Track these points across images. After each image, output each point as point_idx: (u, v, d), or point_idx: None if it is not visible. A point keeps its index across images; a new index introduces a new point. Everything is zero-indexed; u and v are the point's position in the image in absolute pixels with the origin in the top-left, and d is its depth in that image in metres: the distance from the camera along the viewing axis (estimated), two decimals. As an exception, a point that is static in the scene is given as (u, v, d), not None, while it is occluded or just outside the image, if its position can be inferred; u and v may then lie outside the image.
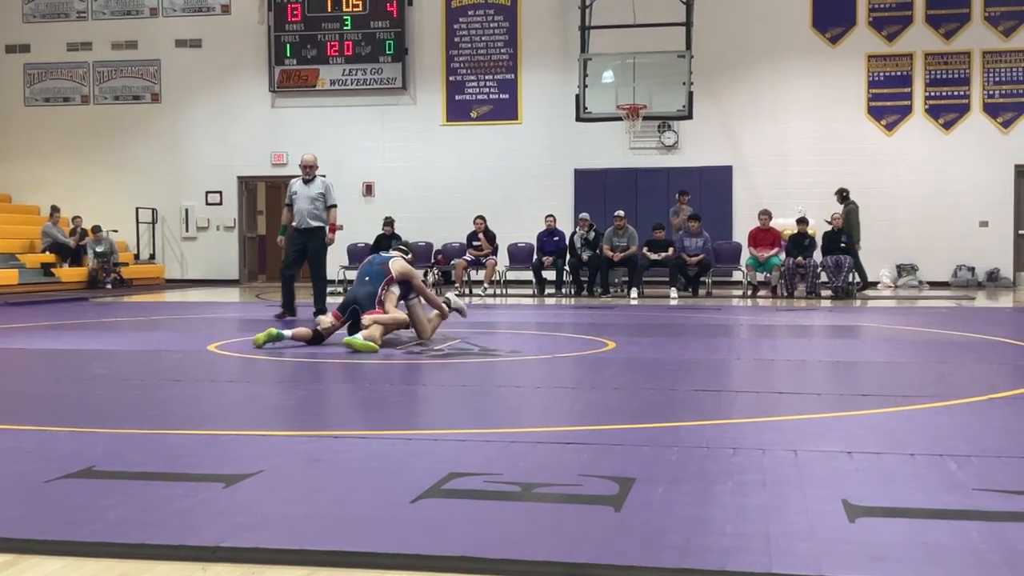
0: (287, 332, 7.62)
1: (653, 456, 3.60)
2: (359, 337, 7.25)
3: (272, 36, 19.97)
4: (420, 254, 17.94)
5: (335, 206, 10.71)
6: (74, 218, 19.27)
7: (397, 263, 7.98)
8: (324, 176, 10.96)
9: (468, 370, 6.51)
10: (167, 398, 5.34)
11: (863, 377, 6.14)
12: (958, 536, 2.64)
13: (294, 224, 10.63)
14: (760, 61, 18.50)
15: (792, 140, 18.41)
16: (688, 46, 16.56)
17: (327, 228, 10.60)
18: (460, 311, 8.45)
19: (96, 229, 18.60)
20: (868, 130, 18.33)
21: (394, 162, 19.66)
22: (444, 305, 8.24)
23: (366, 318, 7.52)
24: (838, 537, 2.62)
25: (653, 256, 15.54)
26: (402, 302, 7.92)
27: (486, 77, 19.41)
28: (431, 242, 18.22)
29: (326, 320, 7.81)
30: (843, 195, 16.31)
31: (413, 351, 7.30)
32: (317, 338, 7.69)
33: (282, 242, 11.03)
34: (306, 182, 10.59)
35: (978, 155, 17.92)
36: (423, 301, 8.06)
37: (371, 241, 17.02)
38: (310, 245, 10.55)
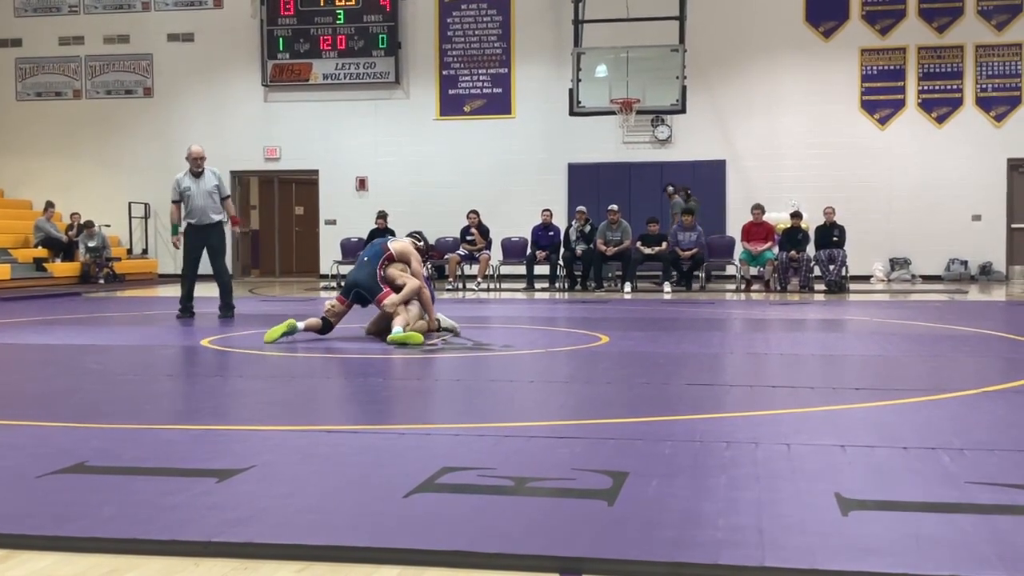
0: (300, 324, 7.46)
1: (646, 450, 3.60)
2: (399, 330, 7.15)
3: (265, 30, 19.90)
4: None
5: (229, 196, 10.21)
6: (72, 214, 19.20)
7: (399, 242, 7.86)
8: (214, 168, 10.45)
9: (461, 364, 6.51)
10: (160, 393, 5.33)
11: (856, 371, 6.14)
12: (951, 529, 2.64)
13: (191, 221, 9.94)
14: (753, 55, 18.49)
15: (785, 134, 18.41)
16: (681, 40, 16.53)
17: (229, 221, 10.13)
18: (452, 331, 7.95)
19: (88, 224, 18.54)
20: (861, 124, 18.33)
21: (387, 156, 19.61)
22: (435, 317, 7.85)
23: (386, 302, 7.39)
24: (831, 530, 2.63)
25: (646, 250, 15.53)
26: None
27: (479, 71, 19.37)
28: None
29: (331, 304, 7.67)
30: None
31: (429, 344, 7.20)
32: (326, 326, 7.58)
33: (177, 242, 10.20)
34: (196, 175, 9.98)
35: (971, 149, 17.93)
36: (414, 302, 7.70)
37: (364, 236, 16.99)
38: (211, 241, 9.99)
